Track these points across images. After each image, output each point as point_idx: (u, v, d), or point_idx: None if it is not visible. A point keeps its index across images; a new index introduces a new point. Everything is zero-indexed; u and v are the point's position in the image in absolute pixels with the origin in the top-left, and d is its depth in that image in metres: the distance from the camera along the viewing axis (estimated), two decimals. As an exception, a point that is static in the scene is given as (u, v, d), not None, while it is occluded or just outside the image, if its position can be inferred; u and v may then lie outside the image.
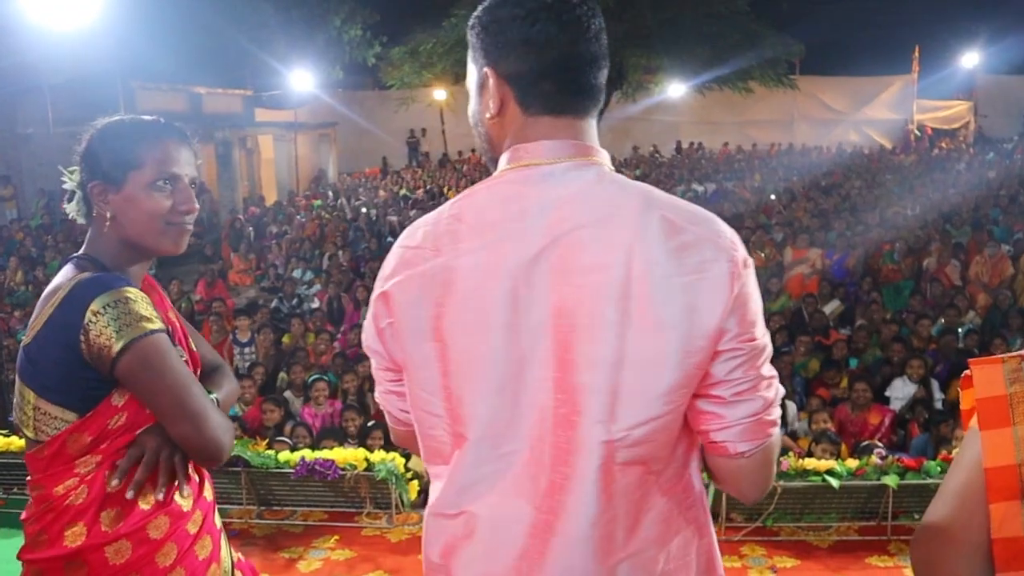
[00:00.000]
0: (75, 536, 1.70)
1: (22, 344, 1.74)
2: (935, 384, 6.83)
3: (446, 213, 1.35)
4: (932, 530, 1.26)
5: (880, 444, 5.48)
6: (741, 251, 1.26)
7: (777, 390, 1.30)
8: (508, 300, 1.26)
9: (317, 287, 11.54)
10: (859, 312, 9.06)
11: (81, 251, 1.82)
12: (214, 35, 18.87)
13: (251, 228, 15.53)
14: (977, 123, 27.22)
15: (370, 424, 5.90)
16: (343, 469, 4.10)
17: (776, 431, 1.31)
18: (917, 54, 27.02)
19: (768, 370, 1.28)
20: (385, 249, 12.74)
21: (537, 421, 1.27)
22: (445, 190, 19.27)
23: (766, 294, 10.02)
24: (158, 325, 1.70)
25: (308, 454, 4.32)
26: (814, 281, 10.16)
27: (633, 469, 1.26)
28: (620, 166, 23.52)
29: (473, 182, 21.24)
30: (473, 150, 27.26)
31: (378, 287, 1.37)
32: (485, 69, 1.36)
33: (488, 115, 1.38)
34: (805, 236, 11.09)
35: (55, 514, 1.71)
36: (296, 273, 12.13)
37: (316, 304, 10.84)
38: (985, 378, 1.23)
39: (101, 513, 1.71)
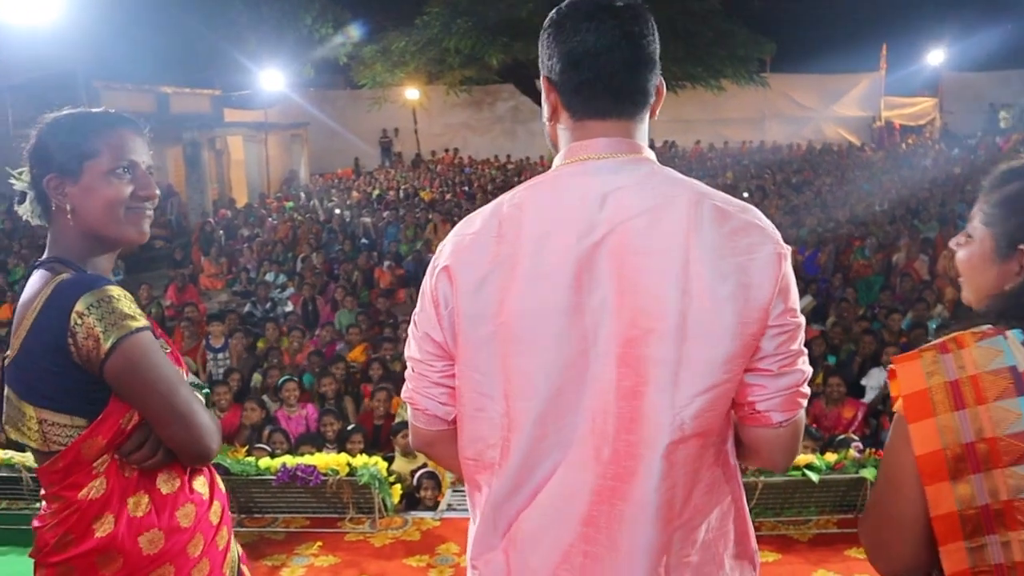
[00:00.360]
0: (104, 526, 1.69)
1: (7, 359, 1.70)
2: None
3: (507, 202, 1.44)
4: (876, 514, 1.44)
5: (856, 437, 5.54)
6: (781, 246, 1.37)
7: (809, 367, 1.41)
8: (572, 283, 1.35)
9: (291, 290, 11.46)
10: (832, 308, 9.16)
11: (46, 255, 1.78)
12: (181, 34, 18.65)
13: (221, 231, 15.39)
14: (943, 119, 27.62)
15: (349, 428, 5.86)
16: (325, 474, 4.07)
17: (805, 404, 1.42)
18: (884, 51, 27.37)
19: (803, 347, 1.40)
20: (359, 251, 12.76)
21: (599, 393, 1.35)
22: (420, 191, 19.21)
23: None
24: (143, 323, 1.68)
25: (289, 460, 4.28)
26: (787, 278, 10.24)
27: (694, 441, 1.35)
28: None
29: (447, 182, 21.31)
30: (447, 150, 27.26)
31: (434, 269, 1.43)
32: (542, 76, 1.48)
33: (546, 119, 1.51)
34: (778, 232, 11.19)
35: (80, 513, 1.69)
36: (269, 277, 12.03)
37: (289, 308, 10.77)
38: (907, 375, 1.37)
39: (128, 499, 1.71)
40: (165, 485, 1.76)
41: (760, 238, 1.36)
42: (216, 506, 1.86)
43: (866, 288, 10.04)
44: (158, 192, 1.84)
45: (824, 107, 27.98)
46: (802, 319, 1.40)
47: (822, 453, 4.68)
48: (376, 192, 19.68)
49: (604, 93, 1.41)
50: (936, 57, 27.00)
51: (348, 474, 4.11)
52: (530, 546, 1.41)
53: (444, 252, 1.44)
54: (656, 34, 1.45)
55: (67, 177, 1.73)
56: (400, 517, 4.40)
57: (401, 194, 18.93)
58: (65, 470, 1.68)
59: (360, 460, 4.11)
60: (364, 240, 14.21)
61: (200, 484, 1.84)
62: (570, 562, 1.38)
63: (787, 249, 1.38)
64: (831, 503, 4.50)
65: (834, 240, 11.38)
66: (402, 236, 13.73)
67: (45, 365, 1.64)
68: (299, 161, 25.11)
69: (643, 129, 1.47)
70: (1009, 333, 1.37)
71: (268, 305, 10.88)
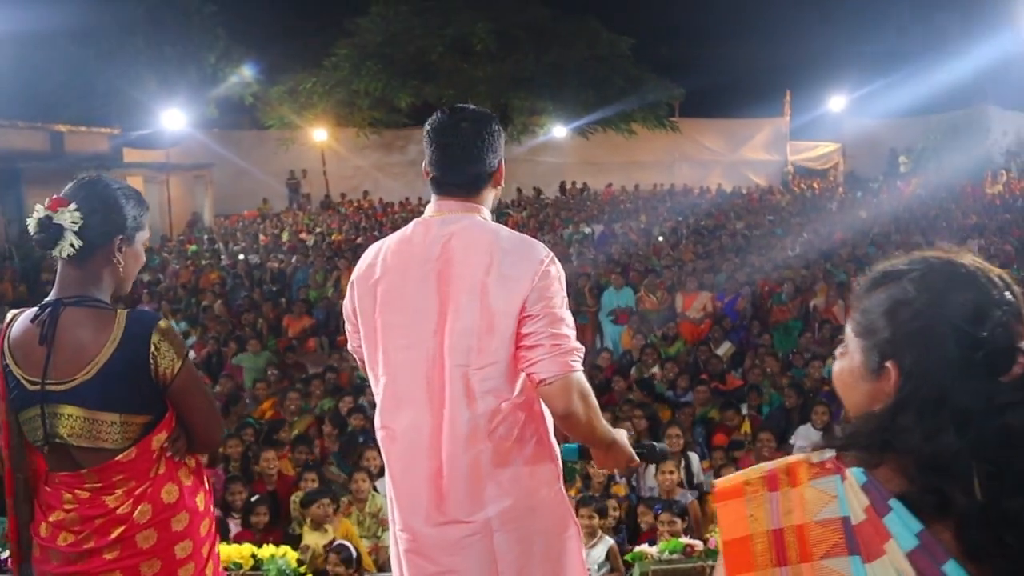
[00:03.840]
0: (172, 494, 2.27)
1: (77, 382, 2.15)
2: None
3: (387, 241, 2.29)
4: None
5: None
6: (545, 264, 2.12)
7: (569, 344, 2.08)
8: (414, 294, 2.16)
9: (193, 339, 10.78)
10: (749, 356, 9.03)
11: (74, 293, 2.23)
12: (77, 71, 17.89)
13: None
14: (847, 164, 28.52)
15: (254, 500, 5.34)
16: (226, 570, 3.58)
17: (568, 366, 2.06)
18: (788, 98, 28.20)
19: (559, 330, 2.08)
20: (267, 298, 12.13)
21: (428, 364, 2.13)
22: (330, 234, 18.58)
23: (661, 339, 9.93)
24: (186, 347, 2.33)
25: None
26: (707, 325, 10.13)
27: (488, 396, 2.10)
28: (505, 207, 23.42)
29: (356, 225, 20.77)
30: (365, 193, 26.70)
31: (350, 281, 2.31)
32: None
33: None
34: (694, 279, 11.08)
35: (153, 486, 2.24)
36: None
37: (192, 356, 10.10)
38: (728, 516, 1.21)
39: (177, 473, 2.31)
40: (186, 478, 2.34)
41: (524, 264, 2.11)
42: (212, 505, 2.46)
43: (785, 333, 9.98)
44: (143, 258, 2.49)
45: (732, 151, 28.56)
46: (559, 312, 2.08)
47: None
48: (284, 235, 18.99)
49: (443, 183, 2.25)
50: (837, 104, 27.96)
51: (253, 567, 3.63)
52: (400, 443, 2.20)
53: (356, 271, 2.30)
54: (488, 136, 2.21)
55: (128, 242, 2.30)
56: (310, 612, 3.91)
57: (312, 239, 18.26)
58: (138, 458, 2.20)
59: (267, 551, 3.63)
60: (273, 286, 13.58)
61: (205, 481, 2.43)
62: (425, 444, 2.14)
63: (547, 270, 2.10)
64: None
65: (750, 285, 11.33)
66: (311, 281, 13.15)
67: (128, 380, 2.18)
68: (203, 203, 24.18)
69: (481, 194, 2.26)
70: (849, 473, 1.17)
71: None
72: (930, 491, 1.14)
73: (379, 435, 2.26)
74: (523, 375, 2.12)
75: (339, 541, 4.96)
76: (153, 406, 2.23)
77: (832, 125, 28.52)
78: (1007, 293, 1.19)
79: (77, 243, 2.18)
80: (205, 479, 2.42)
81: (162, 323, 2.22)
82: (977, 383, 1.14)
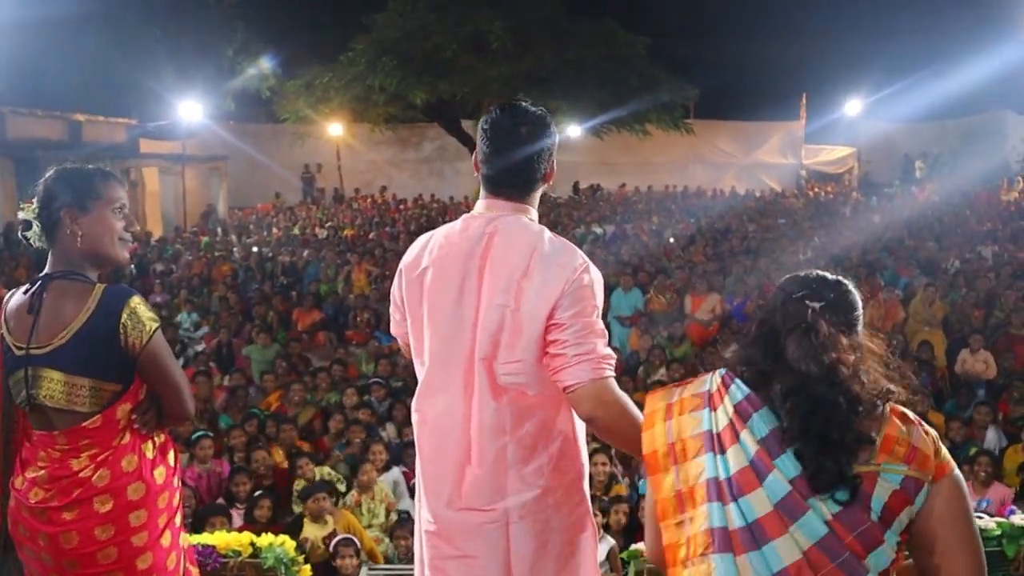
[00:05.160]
0: (132, 463, 2.40)
1: (54, 347, 2.33)
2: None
3: (434, 235, 2.35)
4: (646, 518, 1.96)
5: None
6: (579, 272, 2.15)
7: (597, 352, 2.10)
8: (458, 285, 2.22)
9: (205, 329, 10.85)
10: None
11: (61, 268, 2.41)
12: (96, 61, 18.02)
13: (133, 266, 14.58)
14: (862, 168, 28.39)
15: (257, 494, 5.39)
16: (225, 557, 3.63)
17: (596, 379, 2.08)
18: (804, 101, 28.09)
19: (587, 337, 2.11)
20: (278, 291, 12.19)
21: (466, 355, 2.20)
22: (342, 229, 18.64)
23: (669, 339, 9.94)
24: (159, 321, 2.41)
25: (185, 539, 3.80)
26: (715, 328, 10.12)
27: (514, 390, 2.18)
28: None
29: (369, 220, 20.86)
30: (381, 188, 26.74)
31: (399, 268, 2.39)
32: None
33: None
34: (703, 281, 11.07)
35: (115, 453, 2.37)
36: (181, 317, 11.30)
37: (201, 347, 10.18)
38: (645, 440, 1.88)
39: (140, 446, 2.44)
40: (149, 451, 2.46)
41: (557, 270, 2.15)
42: (175, 479, 2.55)
43: (792, 337, 9.94)
44: (138, 227, 2.64)
45: (746, 154, 28.49)
46: (589, 319, 2.12)
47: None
48: (296, 229, 19.07)
49: (493, 183, 2.29)
50: (853, 107, 27.82)
51: (251, 555, 3.66)
52: (430, 427, 2.28)
53: (404, 260, 2.38)
54: (546, 141, 2.26)
55: (79, 211, 2.39)
56: (308, 603, 3.93)
57: (324, 232, 18.32)
58: (103, 426, 2.35)
59: (265, 540, 3.67)
60: (283, 279, 13.64)
61: (170, 457, 2.55)
62: (457, 432, 2.22)
63: (579, 278, 2.14)
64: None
65: (760, 288, 11.29)
66: (322, 275, 13.21)
67: (100, 348, 2.32)
68: (218, 195, 24.33)
69: (528, 197, 2.31)
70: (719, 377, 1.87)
71: (178, 347, 10.20)
72: (755, 374, 1.80)
73: (413, 418, 2.35)
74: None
75: (343, 535, 5.02)
76: (123, 376, 2.38)
77: (848, 129, 28.38)
78: (824, 286, 1.83)
79: (39, 228, 2.43)
80: (170, 456, 2.54)
81: (135, 298, 2.36)
82: (783, 324, 1.81)
